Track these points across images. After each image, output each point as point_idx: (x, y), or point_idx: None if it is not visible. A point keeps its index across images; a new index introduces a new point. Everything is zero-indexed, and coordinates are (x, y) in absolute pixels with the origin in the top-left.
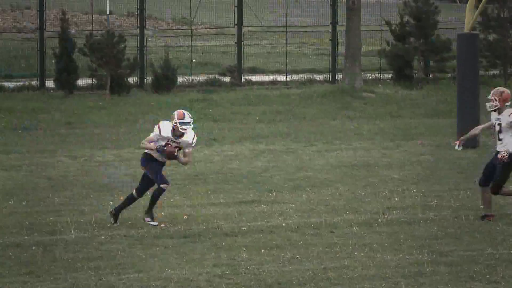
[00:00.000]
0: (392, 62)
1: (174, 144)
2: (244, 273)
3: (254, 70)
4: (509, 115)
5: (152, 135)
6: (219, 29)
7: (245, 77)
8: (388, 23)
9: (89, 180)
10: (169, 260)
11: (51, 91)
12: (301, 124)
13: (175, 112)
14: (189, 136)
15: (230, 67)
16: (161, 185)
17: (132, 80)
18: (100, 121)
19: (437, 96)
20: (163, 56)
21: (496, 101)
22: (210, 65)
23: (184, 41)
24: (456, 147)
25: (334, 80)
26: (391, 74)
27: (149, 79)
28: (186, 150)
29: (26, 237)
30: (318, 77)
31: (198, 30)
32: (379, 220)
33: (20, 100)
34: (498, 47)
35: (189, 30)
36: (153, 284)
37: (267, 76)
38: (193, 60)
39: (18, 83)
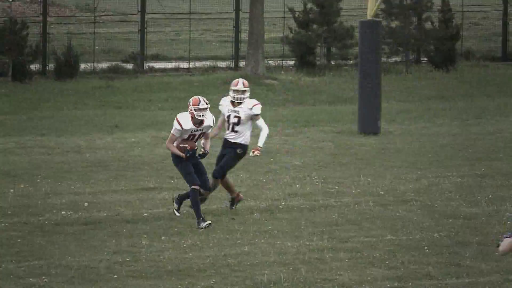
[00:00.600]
0: (295, 49)
1: (197, 133)
2: (145, 260)
3: (157, 57)
4: (251, 108)
5: (173, 131)
6: (122, 16)
7: (148, 64)
8: (291, 10)
9: None
10: (69, 247)
11: None
12: None
13: (190, 100)
14: (209, 119)
15: (133, 54)
16: (192, 187)
17: (34, 67)
18: (1, 108)
19: (339, 83)
20: (66, 43)
21: (248, 92)
22: (113, 52)
23: (88, 28)
24: (251, 154)
25: (237, 67)
26: (294, 61)
27: (51, 66)
28: (208, 132)
29: None
30: (221, 64)
31: (102, 17)
32: (280, 206)
33: None
34: (400, 34)
35: (92, 17)
36: (53, 272)
37: (170, 63)
38: (96, 47)
39: None
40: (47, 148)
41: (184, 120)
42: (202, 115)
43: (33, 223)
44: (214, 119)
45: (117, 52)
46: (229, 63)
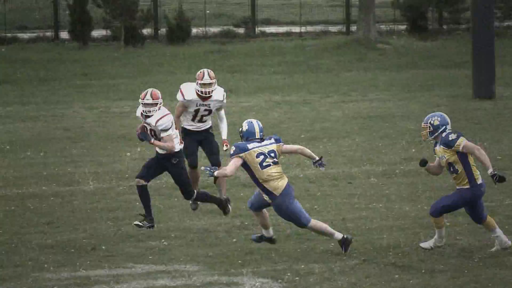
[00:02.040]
0: (406, 13)
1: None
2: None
3: (268, 22)
4: (222, 100)
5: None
6: None
7: (259, 28)
8: None
9: (106, 131)
10: (188, 210)
11: (66, 43)
12: (316, 75)
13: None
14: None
15: (244, 19)
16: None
17: (146, 31)
18: (115, 73)
19: (452, 47)
20: (177, 8)
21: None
22: (224, 16)
23: None
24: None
25: (348, 32)
26: (405, 26)
27: (163, 30)
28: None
29: (44, 188)
30: (333, 28)
31: None
32: (397, 171)
33: (35, 51)
34: None
35: None
36: (172, 235)
37: (281, 28)
38: (207, 11)
39: (32, 35)
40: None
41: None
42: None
43: (151, 186)
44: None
45: (228, 16)
46: (341, 27)
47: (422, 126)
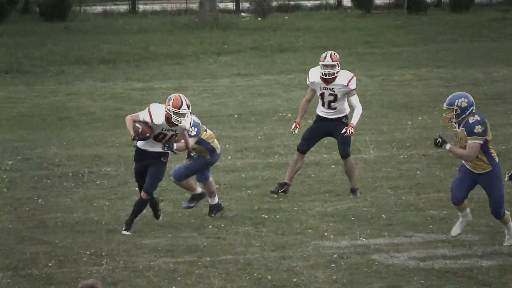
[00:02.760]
0: None
1: (169, 134)
2: None
3: None
4: (347, 84)
5: (140, 116)
6: None
7: None
8: None
9: (387, 100)
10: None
11: (349, 10)
12: None
13: (171, 97)
14: (186, 122)
15: None
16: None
17: None
18: (398, 40)
19: None
20: None
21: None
22: None
23: None
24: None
25: None
26: None
27: None
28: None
29: (325, 156)
30: None
31: None
32: None
33: (318, 19)
34: None
35: None
36: None
37: None
38: None
39: (315, 2)
40: (444, 81)
41: (157, 114)
42: (179, 121)
43: (432, 155)
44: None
45: None
46: None
47: (446, 108)
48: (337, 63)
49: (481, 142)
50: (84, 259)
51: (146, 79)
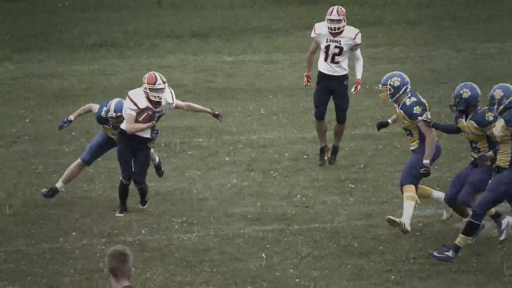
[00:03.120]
0: None
1: (156, 115)
2: None
3: None
4: (354, 37)
5: (128, 111)
6: None
7: None
8: None
9: (471, 73)
10: None
11: None
12: None
13: (146, 75)
14: (167, 97)
15: None
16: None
17: None
18: (483, 15)
19: None
20: None
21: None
22: None
23: None
24: (352, 91)
25: None
26: None
27: None
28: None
29: None
30: None
31: None
32: None
33: None
34: None
35: None
36: None
37: None
38: None
39: None
40: None
41: (139, 98)
42: (158, 96)
43: None
44: (172, 93)
45: None
46: None
47: (381, 88)
48: (343, 18)
49: (426, 119)
50: (176, 226)
51: (236, 52)
